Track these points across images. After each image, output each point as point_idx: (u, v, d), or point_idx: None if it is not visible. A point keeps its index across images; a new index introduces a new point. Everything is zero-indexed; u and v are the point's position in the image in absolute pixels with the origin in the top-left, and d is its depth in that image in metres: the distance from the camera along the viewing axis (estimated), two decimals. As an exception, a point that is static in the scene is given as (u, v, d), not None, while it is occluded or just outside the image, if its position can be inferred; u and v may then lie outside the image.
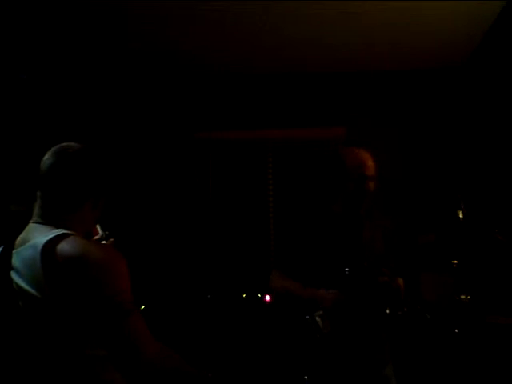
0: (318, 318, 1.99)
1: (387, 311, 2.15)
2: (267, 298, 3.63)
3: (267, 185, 3.96)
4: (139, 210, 3.71)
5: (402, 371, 2.41)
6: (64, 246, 1.22)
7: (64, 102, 3.75)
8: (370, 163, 2.19)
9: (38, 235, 1.27)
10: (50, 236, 1.24)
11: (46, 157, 1.38)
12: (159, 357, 1.27)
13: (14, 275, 1.26)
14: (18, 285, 1.24)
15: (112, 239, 1.69)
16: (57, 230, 1.27)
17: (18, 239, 1.33)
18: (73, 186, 1.34)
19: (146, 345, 1.24)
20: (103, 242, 1.61)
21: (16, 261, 1.28)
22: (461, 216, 2.51)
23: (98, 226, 1.67)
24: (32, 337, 1.24)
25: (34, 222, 1.34)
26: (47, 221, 1.32)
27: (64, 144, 1.40)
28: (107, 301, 1.21)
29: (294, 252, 2.18)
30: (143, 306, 3.22)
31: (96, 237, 1.66)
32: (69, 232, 1.28)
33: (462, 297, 2.54)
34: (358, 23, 2.98)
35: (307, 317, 2.00)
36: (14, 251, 1.30)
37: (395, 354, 2.20)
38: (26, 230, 1.35)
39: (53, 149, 1.39)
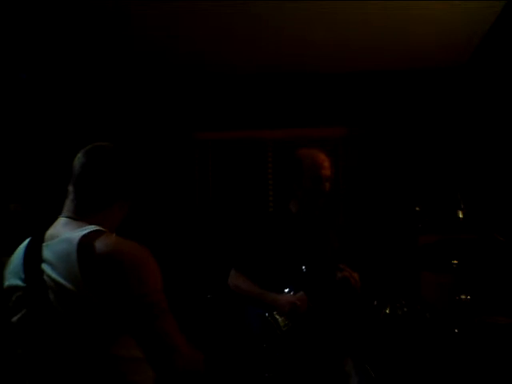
0: (276, 316, 2.05)
1: (387, 311, 2.18)
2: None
3: (267, 185, 3.96)
4: (139, 210, 3.70)
5: (402, 371, 2.41)
6: (100, 242, 1.22)
7: (64, 102, 3.75)
8: (326, 164, 2.26)
9: (70, 230, 1.28)
10: (86, 231, 1.25)
11: (81, 154, 1.39)
12: (192, 358, 1.27)
13: (45, 267, 1.24)
14: (50, 277, 1.23)
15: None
16: (91, 226, 1.28)
17: (49, 233, 1.32)
18: (105, 185, 1.36)
19: (179, 345, 1.24)
20: None
21: (48, 254, 1.26)
22: (461, 216, 2.52)
23: None
24: (60, 329, 1.21)
25: (64, 217, 1.35)
26: (78, 216, 1.33)
27: (99, 143, 1.42)
28: (141, 299, 1.20)
29: (251, 251, 2.24)
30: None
31: None
32: (102, 229, 1.29)
33: (462, 297, 2.54)
34: (358, 23, 2.98)
35: (266, 314, 2.04)
36: (44, 244, 1.29)
37: (396, 354, 2.20)
38: (55, 224, 1.35)
39: (88, 147, 1.41)
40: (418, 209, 2.70)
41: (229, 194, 3.97)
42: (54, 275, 1.22)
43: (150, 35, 3.18)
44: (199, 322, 3.39)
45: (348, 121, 3.81)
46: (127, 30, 3.11)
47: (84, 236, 1.23)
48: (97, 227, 1.28)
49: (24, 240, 1.36)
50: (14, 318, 1.29)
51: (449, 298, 2.65)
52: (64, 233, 1.28)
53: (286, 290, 2.10)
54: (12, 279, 1.31)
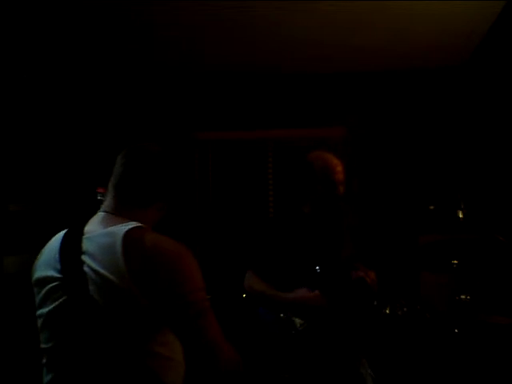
0: (292, 317, 2.03)
1: (387, 311, 2.17)
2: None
3: (267, 185, 3.96)
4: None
5: (402, 371, 2.41)
6: (145, 238, 1.23)
7: (64, 103, 3.75)
8: (339, 168, 2.25)
9: (113, 224, 1.28)
10: (130, 226, 1.26)
11: (124, 154, 1.41)
12: (233, 357, 1.27)
13: (86, 259, 1.24)
14: (92, 268, 1.22)
15: None
16: (133, 222, 1.29)
17: (89, 225, 1.33)
18: (147, 185, 1.39)
19: (220, 344, 1.24)
20: None
21: (89, 246, 1.26)
22: (461, 216, 2.52)
23: None
24: (98, 321, 1.20)
25: (104, 212, 1.37)
26: (118, 213, 1.35)
27: (144, 144, 1.44)
28: (185, 297, 1.20)
29: (266, 252, 2.23)
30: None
31: None
32: (144, 226, 1.30)
33: (462, 297, 2.54)
34: (358, 23, 2.98)
35: (281, 315, 2.03)
36: (84, 237, 1.29)
37: (396, 354, 2.20)
38: (94, 218, 1.36)
39: (131, 147, 1.43)
40: (417, 209, 2.70)
41: (229, 194, 3.97)
42: (95, 266, 1.21)
43: (150, 35, 3.18)
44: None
45: (348, 121, 3.81)
46: (127, 30, 3.11)
47: (129, 230, 1.24)
48: (139, 224, 1.29)
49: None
50: (45, 310, 1.28)
51: (449, 298, 2.65)
52: (106, 226, 1.29)
53: (317, 268, 2.08)
54: (45, 270, 1.30)
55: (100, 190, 2.59)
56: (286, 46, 3.35)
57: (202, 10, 2.80)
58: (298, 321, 2.02)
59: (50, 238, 1.40)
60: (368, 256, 2.41)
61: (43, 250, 1.39)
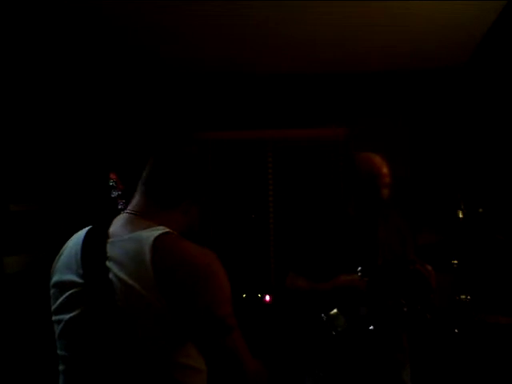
0: (333, 316, 1.99)
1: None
2: (267, 298, 3.63)
3: (267, 185, 3.96)
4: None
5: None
6: (176, 246, 1.20)
7: (64, 103, 3.75)
8: (385, 171, 2.21)
9: (139, 228, 1.23)
10: (159, 232, 1.20)
11: (157, 153, 1.39)
12: (259, 376, 1.25)
13: (112, 266, 1.18)
14: (118, 276, 1.16)
15: None
16: (160, 227, 1.23)
17: (113, 228, 1.28)
18: (174, 185, 1.34)
19: (247, 362, 1.21)
20: None
21: (114, 251, 1.20)
22: (461, 216, 2.52)
23: None
24: (123, 331, 1.15)
25: (129, 213, 1.31)
26: (144, 214, 1.30)
27: (176, 145, 1.42)
28: (214, 312, 1.16)
29: (310, 254, 2.18)
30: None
31: None
32: (172, 231, 1.25)
33: (462, 297, 2.54)
34: (358, 23, 2.97)
35: (322, 315, 2.00)
36: (109, 240, 1.23)
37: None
38: (118, 219, 1.31)
39: (165, 146, 1.41)
40: (418, 209, 2.69)
41: (229, 194, 3.98)
42: (122, 275, 1.16)
43: (151, 35, 3.18)
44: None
45: (348, 121, 3.81)
46: (127, 31, 3.11)
47: (159, 236, 1.19)
48: (167, 229, 1.24)
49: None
50: (65, 316, 1.22)
51: (449, 298, 2.65)
52: (133, 231, 1.23)
53: (359, 269, 2.04)
54: (66, 274, 1.25)
55: (113, 177, 2.57)
56: (286, 47, 3.35)
57: (202, 10, 2.80)
58: (339, 322, 1.99)
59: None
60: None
61: (63, 250, 1.33)
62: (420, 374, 2.51)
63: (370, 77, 3.82)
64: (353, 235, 2.15)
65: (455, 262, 2.61)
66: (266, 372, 1.29)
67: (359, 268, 2.02)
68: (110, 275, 1.17)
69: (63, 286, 1.24)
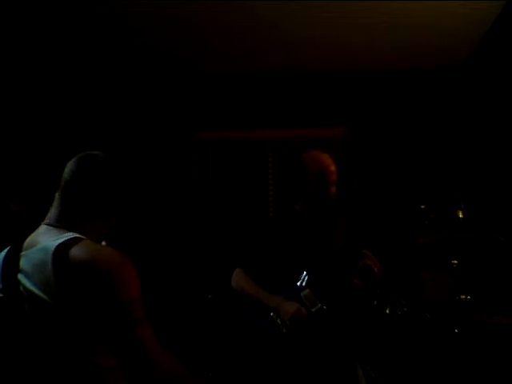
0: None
1: (387, 311, 2.16)
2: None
3: (267, 185, 3.96)
4: (139, 211, 3.71)
5: (402, 371, 2.41)
6: (76, 250, 1.20)
7: (64, 103, 3.75)
8: (332, 168, 2.24)
9: (48, 238, 1.25)
10: (63, 239, 1.22)
11: (72, 162, 1.38)
12: (168, 367, 1.24)
13: (22, 278, 1.22)
14: (26, 288, 1.21)
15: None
16: (69, 234, 1.25)
17: (27, 241, 1.30)
18: (92, 196, 1.34)
19: (155, 355, 1.21)
20: None
21: (24, 263, 1.24)
22: (461, 216, 2.52)
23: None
24: (37, 342, 1.20)
25: (46, 224, 1.33)
26: (61, 224, 1.30)
27: (92, 152, 1.42)
28: (117, 308, 1.18)
29: (257, 250, 2.22)
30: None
31: None
32: (81, 236, 1.26)
33: (462, 297, 2.54)
34: (358, 23, 2.98)
35: (271, 313, 2.01)
36: (22, 253, 1.27)
37: (396, 354, 2.20)
38: (36, 231, 1.33)
39: (80, 155, 1.40)
40: (423, 207, 2.69)
41: (229, 194, 3.97)
42: (29, 286, 1.20)
43: (150, 35, 3.18)
44: (200, 322, 3.39)
45: (348, 121, 3.81)
46: (127, 31, 3.11)
47: (61, 244, 1.20)
48: (75, 234, 1.26)
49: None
50: None
51: (449, 297, 2.65)
52: (43, 241, 1.25)
53: (304, 274, 2.06)
54: None
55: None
56: (286, 46, 3.36)
57: (202, 10, 2.80)
58: (287, 320, 1.99)
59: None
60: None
61: None
62: (420, 373, 2.51)
63: (370, 76, 3.82)
64: (299, 234, 2.18)
65: (455, 262, 2.61)
66: (178, 364, 1.29)
67: (304, 273, 2.05)
68: (21, 287, 1.21)
69: None
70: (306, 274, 2.06)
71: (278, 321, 2.00)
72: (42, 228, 1.32)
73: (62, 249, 1.19)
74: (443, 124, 3.73)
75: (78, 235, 1.26)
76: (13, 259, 1.27)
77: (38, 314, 1.19)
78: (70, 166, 1.37)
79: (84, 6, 2.74)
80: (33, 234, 1.32)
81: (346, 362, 2.07)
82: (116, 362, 1.23)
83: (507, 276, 2.92)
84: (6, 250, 1.33)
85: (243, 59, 3.62)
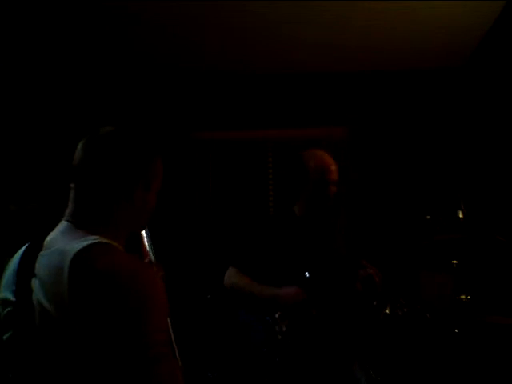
0: (278, 320, 1.95)
1: (387, 311, 2.15)
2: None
3: (267, 185, 3.96)
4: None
5: (402, 371, 2.41)
6: (99, 259, 1.00)
7: (63, 102, 3.75)
8: (333, 167, 2.20)
9: (68, 239, 1.07)
10: (84, 244, 1.03)
11: (80, 145, 1.20)
12: None
13: (35, 284, 1.03)
14: (36, 295, 1.02)
15: (162, 272, 1.45)
16: (92, 237, 1.06)
17: (48, 239, 1.11)
18: (104, 177, 1.14)
19: None
20: None
21: (40, 267, 1.05)
22: (461, 216, 2.52)
23: (148, 248, 1.49)
24: (45, 358, 1.01)
25: (65, 221, 1.14)
26: (79, 220, 1.12)
27: (98, 129, 1.25)
28: (140, 339, 0.97)
29: (252, 251, 2.16)
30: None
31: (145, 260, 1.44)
32: (105, 241, 1.07)
33: (462, 297, 2.54)
34: (358, 23, 2.98)
35: (267, 318, 1.97)
36: (40, 253, 1.08)
37: (396, 355, 2.19)
38: (57, 228, 1.14)
39: (87, 136, 1.23)
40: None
41: (229, 195, 3.97)
42: (39, 294, 1.02)
43: (150, 35, 3.18)
44: (199, 322, 3.39)
45: (348, 121, 3.81)
46: (126, 30, 3.11)
47: (82, 249, 1.01)
48: (99, 238, 1.06)
49: (24, 242, 1.19)
50: (4, 337, 1.09)
51: (449, 297, 2.65)
52: (61, 241, 1.07)
53: (306, 274, 2.02)
54: (4, 291, 1.12)
55: None
56: (286, 46, 3.35)
57: (202, 10, 2.80)
58: (283, 323, 1.95)
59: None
60: (368, 256, 2.41)
61: (8, 265, 1.18)
62: (420, 374, 2.51)
63: (370, 77, 3.82)
64: (298, 236, 2.13)
65: (455, 262, 2.61)
66: None
67: (306, 273, 2.00)
68: (33, 295, 1.03)
69: (3, 304, 1.11)
70: (308, 275, 2.02)
71: (276, 327, 1.95)
72: (62, 225, 1.14)
73: (83, 256, 1.00)
74: (443, 124, 3.73)
75: (103, 239, 1.07)
76: (30, 259, 1.08)
77: (45, 328, 1.01)
78: (78, 151, 1.20)
79: (84, 5, 2.74)
80: (54, 232, 1.14)
81: (344, 365, 2.06)
82: None
83: (507, 276, 2.92)
84: (24, 248, 1.15)
85: (243, 59, 3.61)
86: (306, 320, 1.97)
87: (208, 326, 3.36)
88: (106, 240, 1.07)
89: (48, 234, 1.13)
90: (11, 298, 1.07)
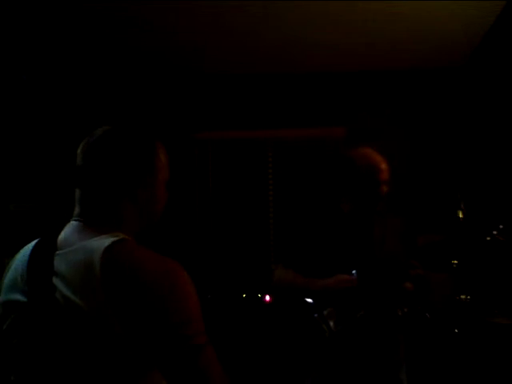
0: (327, 316, 1.89)
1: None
2: (267, 297, 3.63)
3: (267, 185, 3.96)
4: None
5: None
6: (130, 255, 1.02)
7: (63, 103, 3.75)
8: (384, 166, 2.13)
9: (88, 237, 1.06)
10: (110, 240, 1.03)
11: (83, 143, 1.22)
12: None
13: (58, 282, 1.01)
14: (63, 295, 1.00)
15: None
16: (114, 235, 1.06)
17: (61, 239, 1.09)
18: (103, 178, 1.14)
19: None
20: None
21: (61, 265, 1.03)
22: (461, 216, 2.51)
23: None
24: (74, 360, 0.99)
25: (76, 220, 1.13)
26: (91, 221, 1.12)
27: (94, 131, 1.27)
28: (179, 330, 0.99)
29: (301, 250, 2.10)
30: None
31: None
32: (127, 237, 1.08)
33: (462, 297, 2.54)
34: (358, 23, 2.98)
35: (315, 315, 1.91)
36: (57, 252, 1.06)
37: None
38: (68, 228, 1.13)
39: (91, 134, 1.25)
40: (418, 209, 2.67)
41: (229, 194, 3.97)
42: (68, 292, 0.99)
43: (150, 35, 3.18)
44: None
45: (347, 121, 3.81)
46: (127, 31, 3.11)
47: (111, 245, 1.01)
48: (120, 235, 1.07)
49: (24, 242, 1.17)
50: (13, 341, 1.06)
51: (449, 297, 2.65)
52: (82, 240, 1.06)
53: (353, 272, 1.94)
54: (11, 293, 1.08)
55: None
56: (286, 47, 3.36)
57: (202, 11, 2.80)
58: (332, 322, 1.88)
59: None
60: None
61: (10, 265, 1.15)
62: (420, 374, 2.51)
63: (369, 77, 3.82)
64: (346, 233, 2.07)
65: (455, 262, 2.61)
66: None
67: (354, 271, 1.93)
68: (57, 294, 1.00)
69: (9, 307, 1.08)
70: (356, 274, 1.96)
71: (324, 326, 1.90)
72: (74, 224, 1.13)
73: (113, 253, 1.00)
74: (443, 124, 3.73)
75: (123, 236, 1.08)
76: (45, 258, 1.06)
77: (78, 328, 0.98)
78: (81, 148, 1.21)
79: (84, 5, 2.74)
80: (65, 231, 1.12)
81: (390, 367, 2.02)
82: None
83: (507, 276, 2.92)
84: (30, 247, 1.12)
85: (243, 59, 3.61)
86: (354, 319, 1.91)
87: (208, 325, 3.36)
88: (126, 237, 1.09)
89: (53, 233, 1.12)
90: (21, 299, 1.05)
